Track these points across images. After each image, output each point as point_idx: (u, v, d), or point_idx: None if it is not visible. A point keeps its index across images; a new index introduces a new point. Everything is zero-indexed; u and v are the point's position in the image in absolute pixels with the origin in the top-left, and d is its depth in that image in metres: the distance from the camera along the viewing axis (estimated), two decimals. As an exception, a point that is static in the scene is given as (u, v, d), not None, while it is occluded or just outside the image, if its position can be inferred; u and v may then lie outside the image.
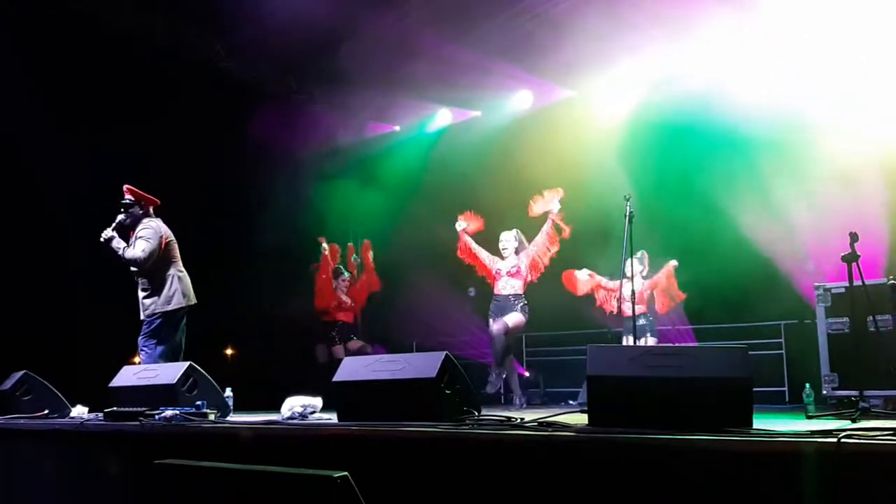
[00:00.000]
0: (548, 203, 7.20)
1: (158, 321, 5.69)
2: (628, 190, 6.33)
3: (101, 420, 4.31)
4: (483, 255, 7.21)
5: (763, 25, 7.80)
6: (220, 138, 8.35)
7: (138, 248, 5.65)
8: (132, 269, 5.74)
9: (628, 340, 7.68)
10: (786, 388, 8.32)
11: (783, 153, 7.57)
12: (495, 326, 6.86)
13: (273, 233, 9.03)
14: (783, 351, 8.54)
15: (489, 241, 7.45)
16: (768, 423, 3.14)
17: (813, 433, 2.55)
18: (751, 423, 2.92)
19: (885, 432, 2.44)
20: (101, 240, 5.70)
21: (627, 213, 5.96)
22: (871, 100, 7.09)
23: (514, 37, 8.53)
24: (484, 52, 8.71)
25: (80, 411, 5.02)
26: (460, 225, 7.30)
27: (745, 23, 7.80)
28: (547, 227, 7.12)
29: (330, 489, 1.86)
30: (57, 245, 7.25)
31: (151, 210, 5.90)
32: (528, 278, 7.13)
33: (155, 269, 5.72)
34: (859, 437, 2.35)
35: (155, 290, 5.73)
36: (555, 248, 7.27)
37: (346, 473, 1.90)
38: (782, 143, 7.58)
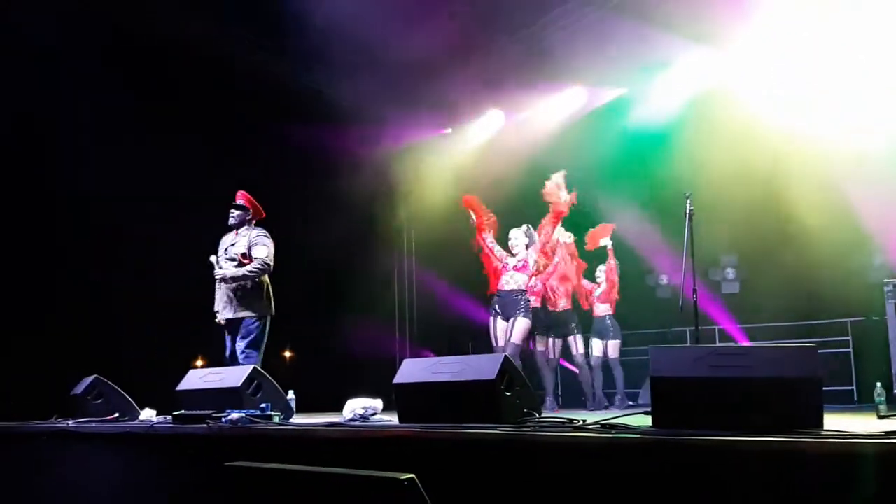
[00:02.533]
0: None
1: (259, 325, 5.85)
2: (689, 187, 6.24)
3: (169, 423, 4.42)
4: (497, 251, 6.98)
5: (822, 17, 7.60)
6: (272, 146, 8.49)
7: (261, 254, 5.87)
8: (252, 278, 5.86)
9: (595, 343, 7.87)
10: (853, 388, 8.10)
11: (847, 146, 7.35)
12: (507, 350, 6.53)
13: (327, 238, 9.15)
14: (850, 349, 8.31)
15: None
16: (837, 423, 3.06)
17: (888, 433, 2.47)
18: (822, 424, 2.84)
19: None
20: (217, 278, 5.92)
21: (687, 211, 5.86)
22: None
23: (562, 36, 8.46)
24: (533, 50, 8.67)
25: (148, 414, 5.16)
26: (472, 218, 7.04)
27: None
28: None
29: (397, 491, 1.88)
30: (125, 252, 7.46)
31: (254, 222, 6.08)
32: (533, 275, 7.00)
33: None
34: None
35: (255, 293, 5.90)
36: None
37: (412, 475, 1.92)
38: (847, 135, 7.36)
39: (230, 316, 5.88)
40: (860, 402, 7.63)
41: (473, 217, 7.00)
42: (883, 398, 4.33)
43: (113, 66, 7.11)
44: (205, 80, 8.06)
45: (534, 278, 7.24)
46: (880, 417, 4.04)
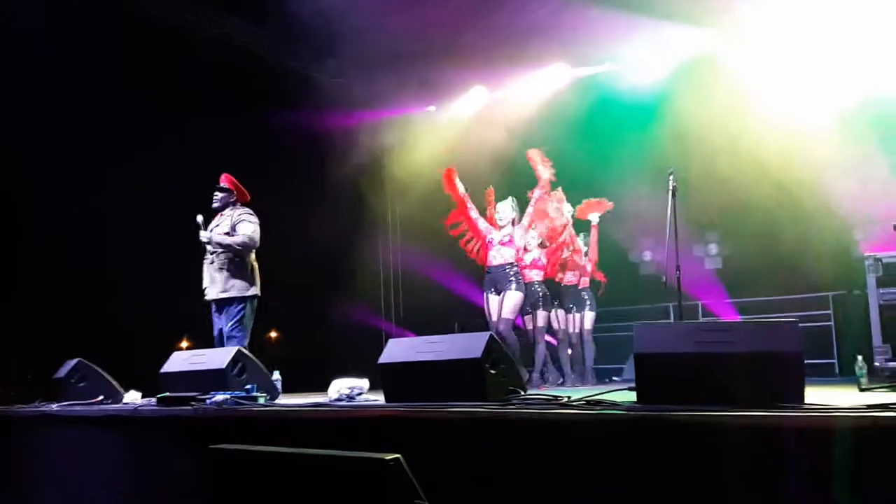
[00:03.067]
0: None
1: (245, 305, 5.83)
2: (668, 164, 6.24)
3: (154, 405, 4.41)
4: (481, 225, 6.99)
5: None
6: (262, 124, 8.41)
7: (247, 230, 5.84)
8: (235, 253, 5.83)
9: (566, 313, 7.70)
10: (835, 360, 8.19)
11: (830, 120, 7.38)
12: (500, 326, 6.61)
13: (312, 216, 9.11)
14: (832, 322, 8.39)
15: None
16: (819, 396, 3.09)
17: (869, 407, 2.50)
18: (803, 398, 2.87)
19: (946, 405, 2.38)
20: (203, 241, 5.87)
21: (671, 188, 5.87)
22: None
23: (544, 12, 8.42)
24: (516, 27, 8.62)
25: (133, 397, 5.13)
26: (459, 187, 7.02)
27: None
28: (537, 194, 6.97)
29: (383, 472, 1.88)
30: (103, 232, 7.39)
31: (239, 203, 6.03)
32: (521, 250, 7.00)
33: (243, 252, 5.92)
34: (919, 410, 2.29)
35: (241, 273, 5.87)
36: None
37: (398, 456, 1.92)
38: (830, 109, 7.39)
39: (216, 296, 5.86)
40: (841, 374, 7.72)
41: (456, 191, 7.02)
42: (864, 371, 4.38)
43: (95, 49, 7.00)
44: (186, 64, 7.96)
45: (538, 251, 7.33)
46: (861, 390, 4.09)
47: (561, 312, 7.70)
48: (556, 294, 7.73)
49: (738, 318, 8.44)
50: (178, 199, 6.72)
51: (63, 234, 7.10)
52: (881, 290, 5.45)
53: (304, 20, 7.78)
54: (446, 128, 10.40)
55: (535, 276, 7.47)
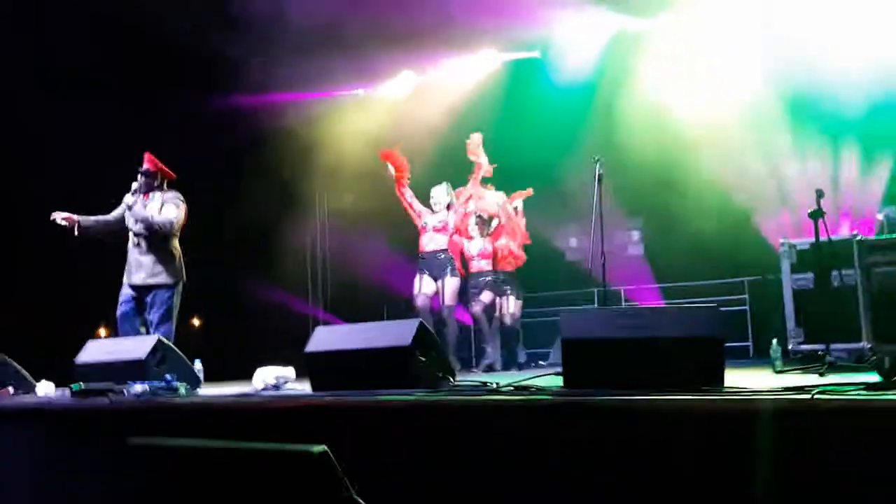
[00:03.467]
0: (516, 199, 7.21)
1: (170, 293, 5.65)
2: (592, 151, 6.32)
3: (68, 397, 4.23)
4: (416, 206, 6.92)
5: None
6: (179, 106, 8.16)
7: (170, 213, 5.64)
8: (150, 232, 5.62)
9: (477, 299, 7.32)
10: (750, 343, 8.50)
11: (753, 109, 7.62)
12: (444, 312, 6.56)
13: (236, 200, 8.91)
14: (747, 307, 8.70)
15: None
16: (737, 379, 3.19)
17: (786, 389, 2.58)
18: (723, 382, 2.96)
19: (858, 386, 2.48)
20: (127, 204, 5.66)
21: (597, 175, 5.94)
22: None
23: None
24: (446, 11, 8.57)
25: (45, 388, 4.91)
26: (390, 172, 6.95)
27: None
28: (507, 217, 7.00)
29: (309, 464, 1.83)
30: (23, 216, 7.05)
31: (165, 183, 5.81)
32: (455, 233, 6.90)
33: (168, 237, 5.72)
34: (833, 392, 2.38)
35: (167, 258, 5.69)
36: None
37: (324, 447, 1.87)
38: (748, 97, 7.62)
39: (142, 281, 5.65)
40: (756, 357, 8.01)
41: (392, 170, 6.89)
42: (778, 354, 4.54)
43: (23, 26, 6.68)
44: (113, 44, 7.65)
45: (481, 241, 7.20)
46: (777, 372, 4.24)
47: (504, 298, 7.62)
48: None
49: (661, 304, 8.66)
50: (91, 177, 6.47)
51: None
52: (794, 276, 5.65)
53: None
54: (375, 111, 10.29)
55: (485, 265, 7.25)
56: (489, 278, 7.24)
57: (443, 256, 6.74)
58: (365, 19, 8.20)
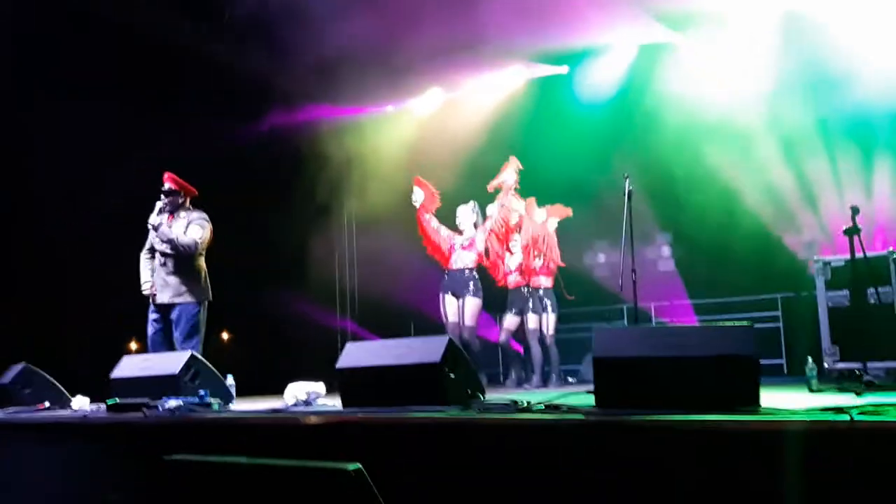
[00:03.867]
0: (502, 174, 6.92)
1: (195, 311, 5.69)
2: (621, 166, 6.30)
3: (103, 412, 4.28)
4: (443, 232, 6.86)
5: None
6: (213, 124, 8.26)
7: (195, 234, 5.69)
8: (175, 252, 5.69)
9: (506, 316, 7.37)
10: (783, 361, 8.37)
11: (780, 123, 7.56)
12: (465, 333, 6.52)
13: (268, 216, 8.99)
14: (780, 324, 8.58)
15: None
16: (772, 397, 3.15)
17: (824, 410, 2.54)
18: (758, 401, 2.91)
19: (897, 408, 2.44)
20: (150, 225, 5.71)
21: (626, 191, 5.91)
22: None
23: (510, 9, 8.43)
24: (473, 29, 8.62)
25: (81, 403, 4.98)
26: (416, 198, 6.85)
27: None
28: (501, 198, 6.83)
29: (344, 482, 1.84)
30: (49, 234, 7.18)
31: (189, 201, 5.89)
32: (483, 254, 6.86)
33: (194, 257, 5.77)
34: (873, 413, 2.34)
35: (192, 277, 5.73)
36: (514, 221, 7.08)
37: (359, 465, 1.88)
38: (779, 112, 7.56)
39: (168, 300, 5.71)
40: (790, 374, 7.89)
41: (420, 196, 6.83)
42: (814, 372, 4.47)
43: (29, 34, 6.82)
44: (132, 56, 7.78)
45: (521, 255, 7.19)
46: (812, 391, 4.18)
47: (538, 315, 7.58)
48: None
49: (692, 320, 8.57)
50: (126, 200, 6.56)
51: (6, 233, 6.88)
52: (829, 293, 5.58)
53: (259, 18, 7.67)
54: (404, 128, 10.36)
55: (523, 281, 7.27)
56: (525, 294, 7.27)
57: (467, 274, 6.71)
58: (396, 37, 8.27)
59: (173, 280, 5.70)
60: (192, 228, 5.72)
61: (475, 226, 6.83)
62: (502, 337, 7.40)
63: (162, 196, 5.81)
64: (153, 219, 5.71)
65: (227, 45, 8.61)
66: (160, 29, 8.05)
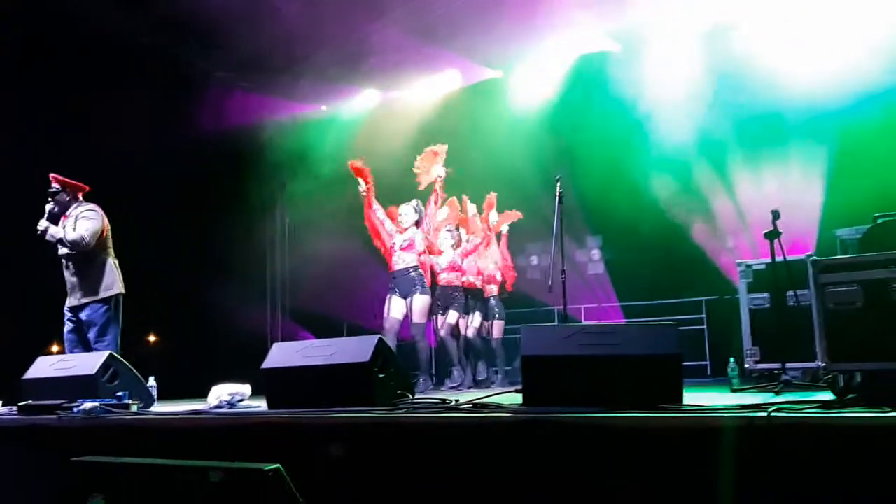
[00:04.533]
0: (432, 168, 6.93)
1: (104, 308, 5.47)
2: (557, 170, 6.36)
3: (14, 414, 4.09)
4: (387, 225, 6.82)
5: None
6: (142, 118, 8.02)
7: (81, 228, 5.44)
8: (71, 250, 5.46)
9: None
10: (707, 362, 8.59)
11: (714, 132, 7.76)
12: (413, 330, 6.53)
13: (198, 215, 8.78)
14: (705, 326, 8.81)
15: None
16: (694, 397, 3.21)
17: (743, 407, 2.60)
18: (681, 400, 2.96)
19: (814, 405, 2.50)
20: (38, 231, 5.44)
21: (557, 194, 5.98)
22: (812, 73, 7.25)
23: (438, 15, 8.44)
24: (410, 31, 8.62)
25: (-9, 405, 4.76)
26: (361, 187, 6.76)
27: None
28: (434, 196, 6.85)
29: (262, 482, 1.79)
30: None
31: (81, 196, 5.67)
32: (424, 253, 6.86)
33: (95, 253, 5.53)
34: (789, 410, 2.40)
35: (96, 274, 5.50)
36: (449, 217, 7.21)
37: (278, 466, 1.83)
38: (713, 121, 7.76)
39: (76, 303, 5.50)
40: (713, 375, 8.09)
41: (363, 184, 6.74)
42: (736, 373, 4.59)
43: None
44: (53, 40, 7.52)
45: (452, 253, 7.25)
46: (733, 391, 4.28)
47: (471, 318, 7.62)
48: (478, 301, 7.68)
49: (620, 322, 8.73)
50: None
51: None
52: (751, 296, 5.73)
53: (194, 13, 7.50)
54: (339, 128, 10.27)
55: (454, 279, 7.33)
56: (456, 294, 7.29)
57: (412, 274, 6.69)
58: (331, 34, 8.20)
59: (77, 281, 5.50)
60: (80, 223, 5.49)
61: (417, 224, 6.80)
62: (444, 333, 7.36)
63: (49, 198, 5.59)
64: (40, 223, 5.47)
65: (159, 36, 8.39)
66: (91, 18, 7.78)
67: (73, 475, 2.11)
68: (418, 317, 6.60)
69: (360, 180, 6.75)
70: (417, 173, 7.02)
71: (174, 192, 8.63)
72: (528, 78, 9.23)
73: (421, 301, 6.61)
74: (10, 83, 7.09)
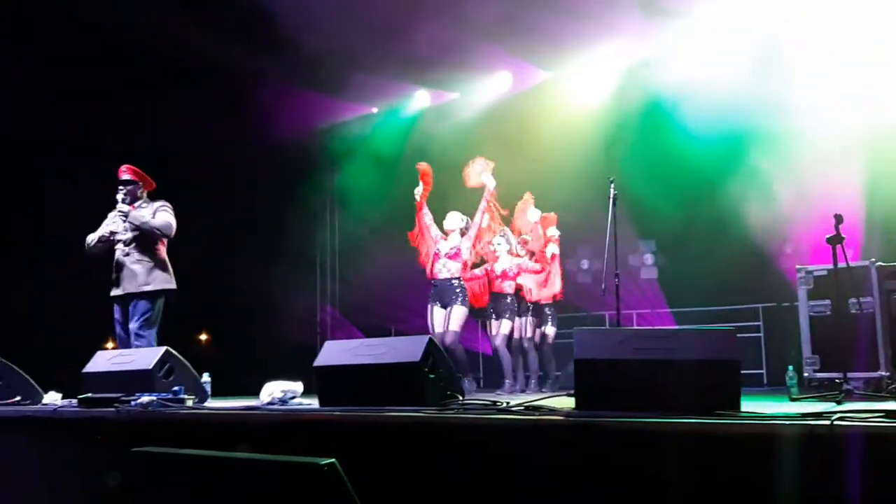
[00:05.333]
0: (479, 174, 6.82)
1: (155, 301, 5.60)
2: (609, 173, 6.29)
3: (75, 407, 4.20)
4: (433, 231, 6.74)
5: (744, 8, 7.79)
6: (193, 118, 8.19)
7: (166, 217, 5.60)
8: (152, 235, 5.61)
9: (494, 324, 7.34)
10: (764, 371, 8.39)
11: (765, 136, 7.58)
12: (447, 338, 6.44)
13: (250, 216, 8.93)
14: (761, 334, 8.60)
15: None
16: (752, 406, 3.12)
17: (804, 415, 2.52)
18: (738, 406, 2.89)
19: (877, 414, 2.42)
20: (118, 212, 5.60)
21: (612, 196, 5.90)
22: (850, 80, 7.09)
23: (494, 16, 8.42)
24: (463, 31, 8.61)
25: (52, 398, 4.89)
26: (418, 190, 6.72)
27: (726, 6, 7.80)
28: (483, 204, 6.75)
29: (317, 476, 1.79)
30: (30, 230, 7.09)
31: (146, 193, 5.81)
32: (469, 263, 6.74)
33: (157, 247, 5.68)
34: (852, 419, 2.32)
35: (154, 267, 5.64)
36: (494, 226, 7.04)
37: (333, 460, 1.83)
38: (764, 126, 7.58)
39: (131, 290, 5.61)
40: (770, 384, 7.91)
41: (422, 188, 6.70)
42: (794, 381, 4.47)
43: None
44: (121, 47, 7.73)
45: (509, 259, 7.24)
46: (792, 400, 4.16)
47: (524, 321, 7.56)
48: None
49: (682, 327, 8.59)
50: (105, 193, 6.49)
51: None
52: (811, 303, 5.57)
53: (244, 14, 7.63)
54: (390, 128, 10.34)
55: (507, 287, 7.29)
56: (508, 301, 7.28)
57: (455, 283, 6.58)
58: (382, 36, 8.25)
59: (138, 269, 5.61)
60: (160, 214, 5.64)
61: (461, 233, 6.73)
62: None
63: (119, 187, 5.71)
64: (121, 206, 5.60)
65: (212, 38, 8.55)
66: (144, 21, 7.98)
67: (133, 465, 2.15)
68: (455, 325, 6.50)
69: (421, 183, 6.73)
70: (465, 176, 6.96)
71: (226, 193, 8.79)
72: (582, 79, 9.15)
73: (459, 311, 6.49)
74: (74, 85, 7.31)
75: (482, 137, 9.06)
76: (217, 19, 8.33)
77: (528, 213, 7.61)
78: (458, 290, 6.57)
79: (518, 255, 7.43)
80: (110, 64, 7.66)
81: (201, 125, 8.22)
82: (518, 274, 7.35)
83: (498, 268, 7.28)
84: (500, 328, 7.26)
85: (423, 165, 6.80)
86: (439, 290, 6.64)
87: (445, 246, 6.70)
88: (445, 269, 6.63)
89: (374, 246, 9.60)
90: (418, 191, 6.72)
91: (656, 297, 9.08)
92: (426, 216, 6.78)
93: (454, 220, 6.75)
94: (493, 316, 7.32)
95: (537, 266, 7.44)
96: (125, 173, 5.74)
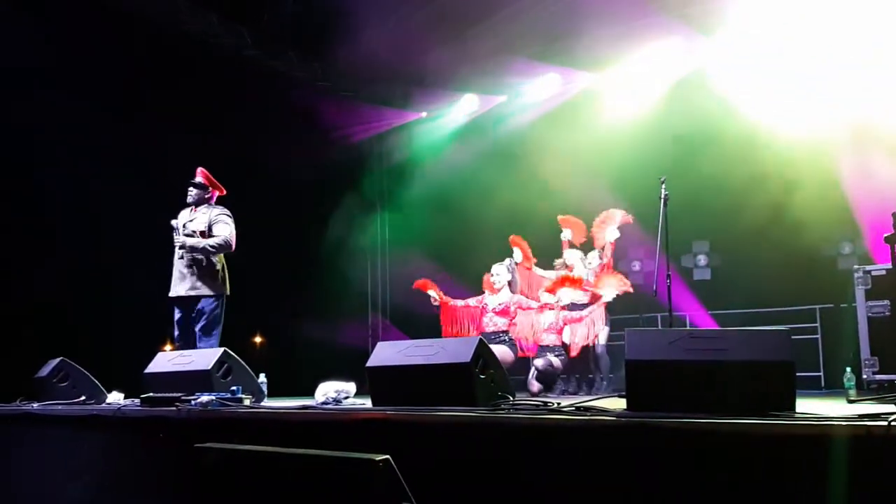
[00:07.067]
0: (607, 230, 6.92)
1: (215, 305, 5.76)
2: (657, 173, 6.23)
3: (137, 406, 4.35)
4: (471, 302, 6.74)
5: (791, 18, 7.66)
6: (244, 128, 8.37)
7: (224, 231, 5.78)
8: (215, 253, 5.78)
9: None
10: (821, 373, 8.20)
11: (820, 135, 7.42)
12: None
13: (302, 222, 9.07)
14: (818, 336, 8.41)
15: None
16: (809, 407, 3.08)
17: (861, 416, 2.48)
18: (793, 408, 2.86)
19: (938, 416, 2.37)
20: (176, 245, 5.77)
21: (662, 196, 5.86)
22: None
23: (540, 21, 8.43)
24: (509, 36, 8.63)
25: (116, 397, 5.07)
26: (517, 256, 6.82)
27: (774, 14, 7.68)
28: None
29: (373, 472, 1.84)
30: (89, 233, 7.32)
31: (214, 199, 5.98)
32: (515, 315, 6.61)
33: None
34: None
35: (210, 271, 5.80)
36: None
37: (387, 457, 1.88)
38: (821, 124, 7.43)
39: (183, 293, 5.77)
40: (827, 387, 7.73)
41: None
42: (853, 383, 4.38)
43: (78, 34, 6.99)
44: (179, 59, 7.95)
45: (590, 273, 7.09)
46: (850, 401, 4.08)
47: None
48: None
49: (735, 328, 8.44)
50: (165, 202, 6.67)
51: (51, 233, 7.03)
52: (869, 303, 5.45)
53: (294, 20, 7.78)
54: (438, 135, 10.39)
55: (500, 323, 6.87)
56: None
57: (504, 337, 6.51)
58: (428, 41, 8.31)
59: (190, 272, 5.76)
60: (219, 227, 5.79)
61: (509, 285, 6.65)
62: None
63: (190, 188, 5.89)
64: (178, 240, 5.76)
65: (262, 48, 8.74)
66: (199, 32, 8.19)
67: (194, 460, 2.23)
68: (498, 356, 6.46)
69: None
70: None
71: (277, 201, 8.95)
72: (631, 82, 9.07)
73: (499, 349, 6.25)
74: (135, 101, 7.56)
75: (530, 139, 9.07)
76: (263, 28, 8.52)
77: (608, 232, 7.21)
78: (505, 339, 6.52)
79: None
80: (178, 68, 7.88)
81: (249, 134, 8.39)
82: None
83: (493, 301, 6.81)
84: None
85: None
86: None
87: (493, 300, 6.65)
88: (492, 324, 6.57)
89: (424, 251, 9.66)
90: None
91: (709, 298, 8.94)
92: (457, 309, 6.80)
93: (502, 271, 6.69)
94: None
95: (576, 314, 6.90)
96: (198, 175, 5.94)
